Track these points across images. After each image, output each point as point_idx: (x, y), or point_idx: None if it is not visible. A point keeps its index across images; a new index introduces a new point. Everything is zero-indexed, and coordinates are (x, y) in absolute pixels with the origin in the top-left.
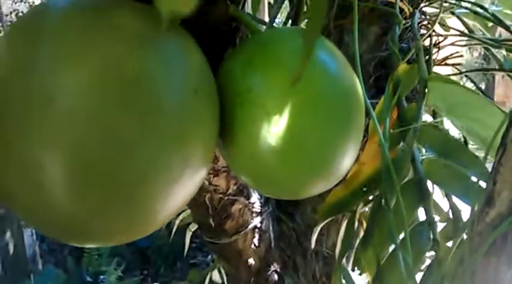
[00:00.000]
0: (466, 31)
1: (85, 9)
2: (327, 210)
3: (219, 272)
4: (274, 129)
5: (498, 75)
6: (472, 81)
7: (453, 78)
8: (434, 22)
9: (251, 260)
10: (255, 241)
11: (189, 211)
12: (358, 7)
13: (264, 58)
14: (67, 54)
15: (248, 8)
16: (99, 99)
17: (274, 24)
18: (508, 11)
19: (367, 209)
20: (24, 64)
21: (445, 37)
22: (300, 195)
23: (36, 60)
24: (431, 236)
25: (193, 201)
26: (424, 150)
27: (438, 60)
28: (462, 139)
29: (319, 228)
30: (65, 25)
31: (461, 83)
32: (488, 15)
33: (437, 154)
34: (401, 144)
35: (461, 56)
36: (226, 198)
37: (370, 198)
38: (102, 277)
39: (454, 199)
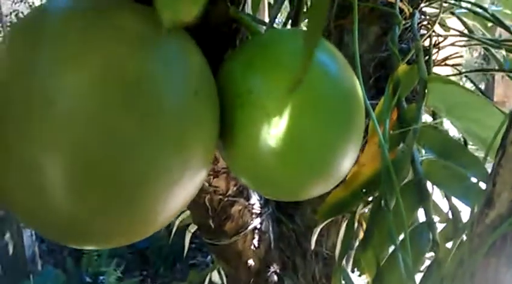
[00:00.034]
0: (465, 31)
1: (85, 11)
2: (326, 210)
3: (219, 273)
4: (274, 131)
5: (498, 75)
6: (472, 82)
7: (453, 78)
8: (434, 22)
9: (251, 261)
10: (255, 242)
11: (188, 212)
12: (358, 7)
13: (264, 59)
14: (67, 56)
15: (248, 9)
16: (99, 101)
17: (274, 24)
18: (508, 11)
19: (366, 210)
20: (25, 66)
21: (445, 37)
22: (299, 196)
23: (36, 63)
24: (431, 237)
25: (193, 202)
26: (423, 151)
27: (438, 60)
28: (462, 140)
29: (318, 229)
30: (65, 27)
31: (461, 83)
32: (488, 15)
33: (437, 155)
34: (401, 145)
35: (461, 56)
36: (226, 199)
37: (370, 199)
38: (101, 277)
39: (454, 199)
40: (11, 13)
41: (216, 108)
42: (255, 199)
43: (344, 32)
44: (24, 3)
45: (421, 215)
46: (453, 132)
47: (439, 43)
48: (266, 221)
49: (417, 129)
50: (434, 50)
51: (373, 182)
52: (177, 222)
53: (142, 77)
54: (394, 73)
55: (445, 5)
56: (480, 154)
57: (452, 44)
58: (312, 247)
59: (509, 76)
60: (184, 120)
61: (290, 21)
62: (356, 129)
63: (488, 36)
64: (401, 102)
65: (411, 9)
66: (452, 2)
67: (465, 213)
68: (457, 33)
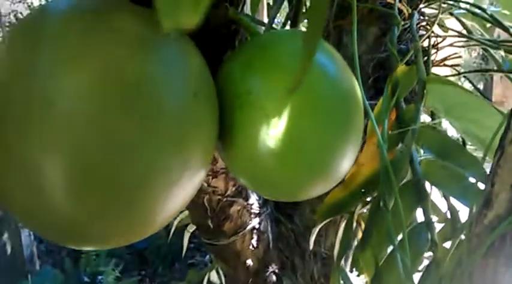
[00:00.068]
0: (464, 32)
1: (85, 13)
2: (325, 210)
3: (217, 272)
4: (273, 132)
5: (496, 76)
6: (470, 82)
7: (451, 78)
8: (433, 23)
9: (249, 261)
10: (254, 242)
11: (187, 212)
12: (357, 8)
13: (263, 60)
14: (67, 58)
15: (247, 9)
16: (99, 103)
17: (273, 25)
18: (506, 12)
19: (365, 210)
20: (24, 68)
21: (444, 38)
22: (298, 197)
23: (36, 64)
24: (430, 237)
25: (191, 203)
26: (422, 151)
27: (437, 61)
28: (460, 140)
29: (317, 229)
30: (65, 29)
31: (460, 83)
32: (487, 16)
33: (436, 155)
34: (400, 145)
35: (460, 56)
36: (224, 199)
37: (369, 199)
38: (100, 277)
39: (452, 199)
40: (9, 13)
41: (215, 109)
42: (253, 199)
43: (343, 33)
44: (23, 3)
45: (419, 215)
46: (451, 131)
47: (437, 44)
48: (265, 222)
49: (416, 130)
50: (433, 51)
51: (371, 182)
52: (175, 222)
53: (142, 79)
54: (393, 74)
55: (443, 5)
56: (478, 155)
57: (451, 45)
58: (311, 247)
59: (508, 76)
60: (183, 122)
61: (289, 21)
62: (355, 129)
63: (487, 36)
64: (400, 103)
65: (410, 10)
66: (451, 2)
67: (463, 212)
68: (456, 33)
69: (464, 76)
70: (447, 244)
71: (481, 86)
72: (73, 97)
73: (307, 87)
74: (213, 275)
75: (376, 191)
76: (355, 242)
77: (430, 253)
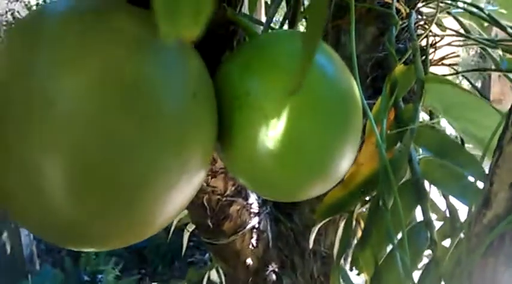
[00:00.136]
0: (462, 31)
1: (84, 14)
2: (325, 210)
3: (217, 271)
4: (272, 132)
5: (494, 74)
6: (468, 81)
7: (450, 77)
8: (431, 22)
9: (249, 261)
10: (253, 241)
11: (186, 211)
12: (355, 8)
13: (261, 61)
14: (66, 59)
15: (245, 9)
16: (98, 103)
17: (271, 24)
18: (504, 11)
19: (364, 209)
20: (24, 68)
21: (442, 37)
22: (298, 197)
23: (35, 65)
24: (429, 236)
25: (191, 202)
26: (420, 150)
27: (435, 60)
28: (459, 139)
29: (317, 228)
30: (63, 29)
31: (458, 81)
32: (484, 15)
33: (434, 155)
34: (399, 144)
35: (458, 56)
36: (224, 199)
37: (368, 198)
38: (100, 276)
39: (451, 198)
40: (6, 12)
41: (214, 110)
42: (253, 198)
43: (341, 32)
44: (20, 2)
45: (418, 214)
46: (450, 130)
47: (435, 43)
48: (264, 221)
49: (414, 129)
50: (431, 50)
51: (371, 181)
52: (175, 221)
53: (141, 80)
54: (392, 74)
55: (441, 5)
56: (476, 153)
57: (449, 44)
58: (310, 246)
59: (506, 75)
60: (182, 122)
61: (287, 21)
62: (354, 129)
63: (485, 35)
64: (398, 102)
65: (408, 10)
66: (449, 2)
67: (462, 210)
68: (454, 33)
69: (462, 75)
70: (447, 243)
71: (479, 84)
72: (73, 98)
73: (306, 88)
74: (213, 274)
75: (375, 190)
76: (355, 241)
77: (430, 252)
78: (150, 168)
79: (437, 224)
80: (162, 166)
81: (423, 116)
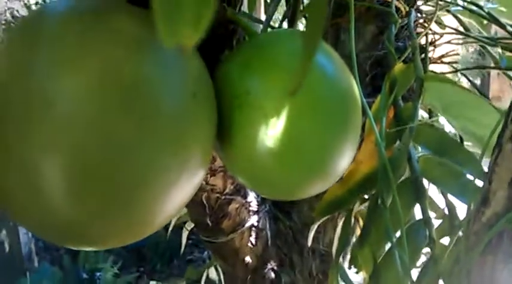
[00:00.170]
0: (461, 29)
1: (83, 14)
2: (324, 208)
3: (216, 269)
4: (272, 132)
5: (493, 71)
6: (468, 78)
7: (449, 75)
8: (431, 20)
9: (248, 259)
10: (252, 239)
11: (185, 209)
12: (355, 6)
13: (261, 60)
14: (65, 59)
15: (244, 7)
16: (98, 103)
17: (270, 21)
18: (503, 9)
19: (363, 207)
20: (24, 68)
21: (441, 35)
22: (297, 196)
23: (34, 64)
24: (428, 234)
25: (190, 201)
26: (419, 148)
27: (434, 58)
28: (458, 137)
29: (315, 226)
30: (63, 30)
31: (457, 79)
32: (484, 13)
33: (433, 153)
34: (398, 143)
35: (457, 54)
36: (223, 197)
37: (367, 196)
38: (98, 274)
39: (450, 196)
40: (5, 11)
41: (214, 109)
42: (252, 197)
43: (340, 31)
44: (19, 1)
45: (417, 212)
46: (448, 127)
47: (435, 41)
48: (263, 219)
49: (413, 127)
50: (431, 48)
51: (370, 180)
52: (174, 220)
53: (140, 80)
54: (391, 72)
55: (440, 3)
56: (475, 151)
57: (449, 42)
58: (309, 244)
59: (505, 73)
60: (182, 122)
61: (286, 19)
62: (353, 128)
63: (484, 33)
64: (397, 101)
65: (407, 8)
66: (448, 0)
67: (461, 208)
68: (453, 31)
69: (461, 73)
70: (445, 241)
71: (478, 81)
72: (72, 98)
73: (306, 88)
74: (212, 272)
75: (374, 188)
76: (354, 239)
77: (428, 250)
78: (149, 167)
79: (436, 223)
80: (162, 166)
81: (422, 114)
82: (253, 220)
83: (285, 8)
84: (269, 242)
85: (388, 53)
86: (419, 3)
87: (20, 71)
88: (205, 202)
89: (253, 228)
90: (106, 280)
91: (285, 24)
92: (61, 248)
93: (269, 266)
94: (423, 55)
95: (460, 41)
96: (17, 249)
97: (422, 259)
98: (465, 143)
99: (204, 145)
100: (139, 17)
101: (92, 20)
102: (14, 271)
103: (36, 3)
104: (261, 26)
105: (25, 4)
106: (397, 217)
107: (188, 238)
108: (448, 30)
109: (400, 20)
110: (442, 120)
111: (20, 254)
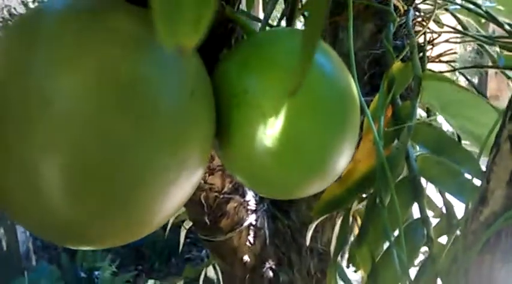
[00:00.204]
0: (459, 27)
1: (80, 13)
2: (322, 207)
3: (214, 268)
4: (270, 131)
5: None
6: (465, 77)
7: (447, 74)
8: (429, 19)
9: (246, 258)
10: (250, 238)
11: (183, 208)
12: (353, 4)
13: (259, 59)
14: (63, 58)
15: (242, 5)
16: (95, 102)
17: (269, 19)
18: (501, 7)
19: (361, 206)
20: (21, 67)
21: (439, 34)
22: (295, 195)
23: (32, 64)
24: (425, 233)
25: (188, 200)
26: (417, 147)
27: (432, 57)
28: (455, 136)
29: (314, 225)
30: (60, 29)
31: (455, 78)
32: (482, 11)
33: (431, 152)
34: (396, 142)
35: (455, 52)
36: (221, 196)
37: (365, 195)
38: (96, 272)
39: (448, 195)
40: (3, 8)
41: (212, 108)
42: (250, 195)
43: (339, 29)
44: None
45: (415, 211)
46: (446, 126)
47: (433, 40)
48: (261, 218)
49: (412, 126)
50: (429, 47)
51: (368, 179)
52: (172, 218)
53: (137, 79)
54: (389, 71)
55: (439, 1)
56: (473, 150)
57: (447, 41)
58: (307, 243)
59: (503, 72)
60: (180, 121)
61: (284, 18)
62: (352, 127)
63: (482, 32)
64: (396, 99)
65: (406, 7)
66: None
67: (459, 207)
68: (452, 29)
69: (459, 71)
70: (443, 240)
71: (476, 80)
72: (70, 97)
73: (305, 87)
74: (210, 271)
75: (372, 187)
76: (352, 238)
77: (426, 249)
78: (147, 167)
79: (434, 222)
80: (160, 165)
81: (420, 113)
82: (251, 219)
83: (283, 6)
84: (267, 241)
85: (387, 51)
86: (417, 1)
87: (18, 70)
88: (203, 201)
89: (252, 227)
90: (104, 278)
91: (283, 23)
92: (59, 247)
93: (267, 265)
94: (421, 54)
95: (458, 40)
96: (14, 248)
97: (421, 257)
98: (463, 142)
99: (203, 144)
100: (137, 16)
101: (90, 19)
102: (11, 269)
103: (34, 1)
104: (259, 24)
105: (22, 2)
106: (395, 216)
107: (186, 237)
108: (446, 28)
109: (398, 19)
110: (440, 119)
111: (17, 252)
